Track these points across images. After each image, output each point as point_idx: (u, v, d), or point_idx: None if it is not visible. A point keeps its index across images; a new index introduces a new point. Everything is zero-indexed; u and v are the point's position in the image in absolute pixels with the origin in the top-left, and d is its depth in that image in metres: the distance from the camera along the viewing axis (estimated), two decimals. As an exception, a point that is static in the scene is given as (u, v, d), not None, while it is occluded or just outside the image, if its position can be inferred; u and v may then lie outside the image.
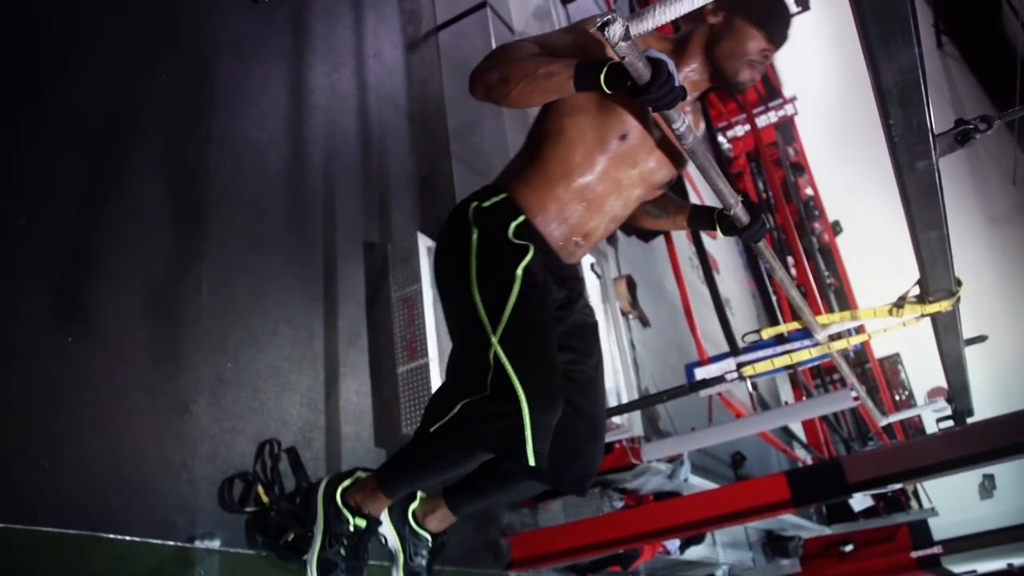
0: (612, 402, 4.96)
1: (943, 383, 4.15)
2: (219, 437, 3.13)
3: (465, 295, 2.10)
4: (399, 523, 2.61)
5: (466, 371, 2.16)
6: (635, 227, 2.43)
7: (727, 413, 5.88)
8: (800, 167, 17.32)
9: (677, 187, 6.67)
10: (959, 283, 2.48)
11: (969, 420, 4.60)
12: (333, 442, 3.74)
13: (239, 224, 3.69)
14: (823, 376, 13.12)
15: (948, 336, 3.13)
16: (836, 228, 16.64)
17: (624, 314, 6.33)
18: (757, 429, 5.14)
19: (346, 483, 2.46)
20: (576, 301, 2.43)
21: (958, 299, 2.55)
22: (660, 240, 7.30)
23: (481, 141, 5.53)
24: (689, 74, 2.12)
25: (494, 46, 5.91)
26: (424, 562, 2.58)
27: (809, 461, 9.71)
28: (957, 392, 4.19)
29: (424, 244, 4.47)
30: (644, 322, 7.07)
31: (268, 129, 4.14)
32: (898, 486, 4.26)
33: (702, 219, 2.28)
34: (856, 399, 4.01)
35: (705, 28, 2.04)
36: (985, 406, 4.49)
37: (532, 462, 1.91)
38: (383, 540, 2.60)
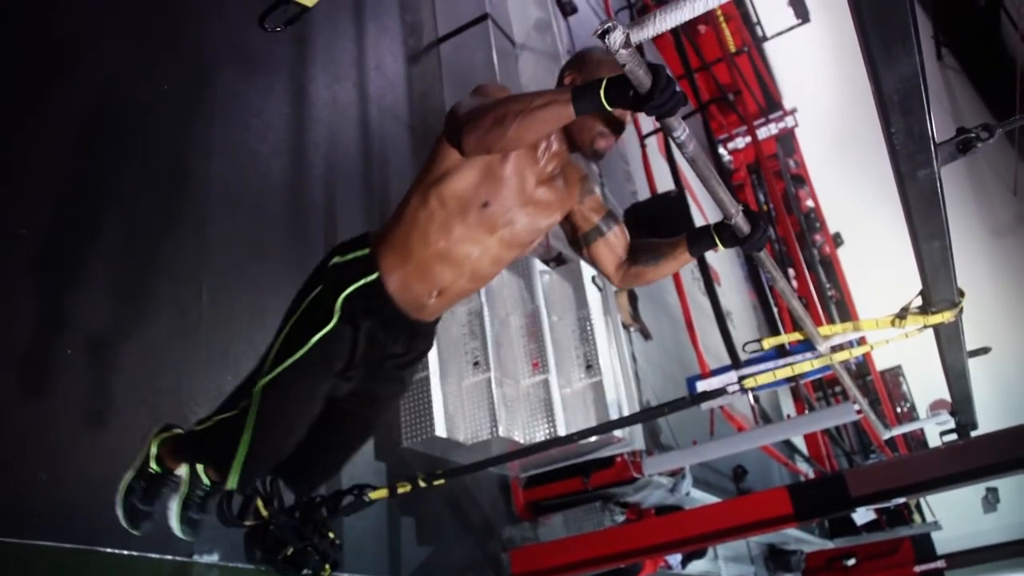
0: (613, 414, 4.94)
1: (945, 395, 4.12)
2: (219, 450, 3.11)
3: (280, 328, 2.33)
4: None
5: (247, 380, 2.40)
6: (640, 258, 2.39)
7: (729, 426, 5.86)
8: (801, 179, 17.35)
9: (679, 206, 6.66)
10: (962, 294, 2.47)
11: (973, 433, 4.57)
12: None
13: (240, 234, 3.69)
14: (824, 389, 13.10)
15: (951, 348, 3.11)
16: (837, 240, 16.66)
17: (625, 327, 6.32)
18: (759, 443, 5.12)
19: (164, 435, 2.60)
20: (406, 359, 2.51)
21: (961, 310, 2.53)
22: (661, 252, 7.31)
23: (482, 153, 5.53)
24: (550, 147, 2.18)
25: (495, 58, 6.00)
26: (199, 501, 2.68)
27: (811, 474, 9.68)
28: (961, 405, 4.16)
29: (425, 256, 4.46)
30: (645, 335, 7.06)
31: (270, 140, 4.14)
32: (901, 500, 4.23)
33: (702, 240, 2.27)
34: (859, 412, 3.98)
35: None
36: (989, 419, 4.46)
37: (231, 487, 2.28)
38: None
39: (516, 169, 2.12)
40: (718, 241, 2.18)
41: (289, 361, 2.20)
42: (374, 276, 2.23)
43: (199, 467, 2.58)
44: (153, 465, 2.53)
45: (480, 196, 2.12)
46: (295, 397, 2.25)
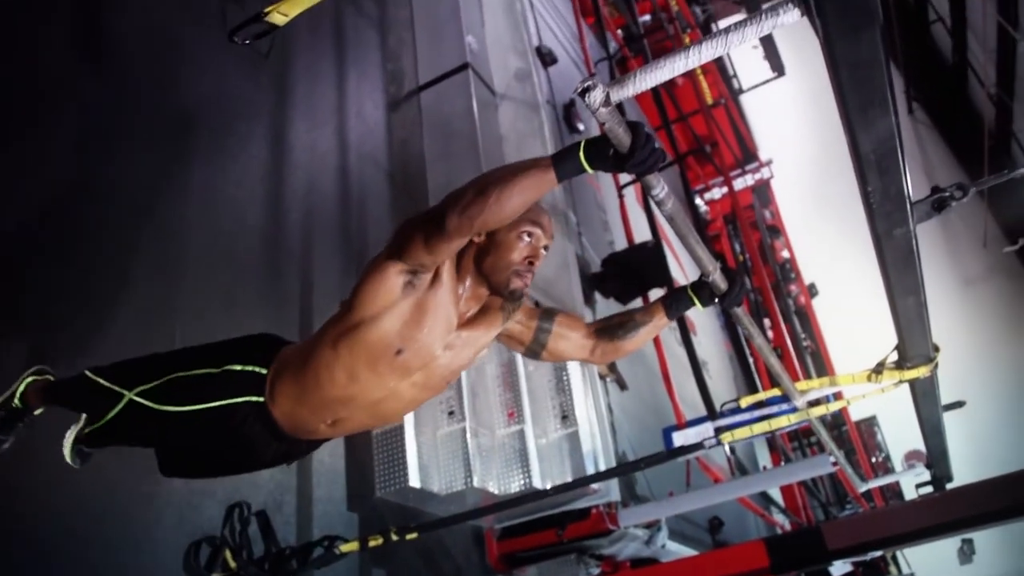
0: (589, 465, 4.90)
1: (920, 445, 4.13)
2: (187, 499, 3.05)
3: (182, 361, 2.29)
4: None
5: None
6: (616, 332, 2.36)
7: (705, 477, 5.82)
8: (776, 230, 17.52)
9: (656, 256, 6.68)
10: (936, 349, 2.48)
11: (948, 485, 4.57)
12: (305, 505, 3.66)
13: (216, 280, 3.65)
14: (800, 439, 13.11)
15: (926, 402, 3.12)
16: (812, 290, 16.78)
17: (602, 377, 6.29)
18: (736, 495, 5.10)
19: (36, 377, 2.66)
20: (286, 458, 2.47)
21: (936, 365, 2.55)
22: (638, 301, 7.30)
23: (460, 201, 5.54)
24: (466, 291, 2.13)
25: (475, 107, 6.04)
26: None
27: (788, 526, 9.63)
28: (936, 458, 4.17)
29: (401, 303, 4.44)
30: (621, 385, 7.04)
31: (247, 185, 4.12)
32: (879, 553, 4.21)
33: (680, 302, 2.25)
34: (835, 464, 3.98)
35: (473, 247, 2.06)
36: (964, 470, 4.47)
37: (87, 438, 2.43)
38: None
39: (440, 314, 2.04)
40: (696, 302, 2.17)
41: (169, 407, 2.18)
42: (260, 399, 2.17)
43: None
44: (17, 401, 2.62)
45: (395, 343, 2.03)
46: (152, 430, 2.27)
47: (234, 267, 3.81)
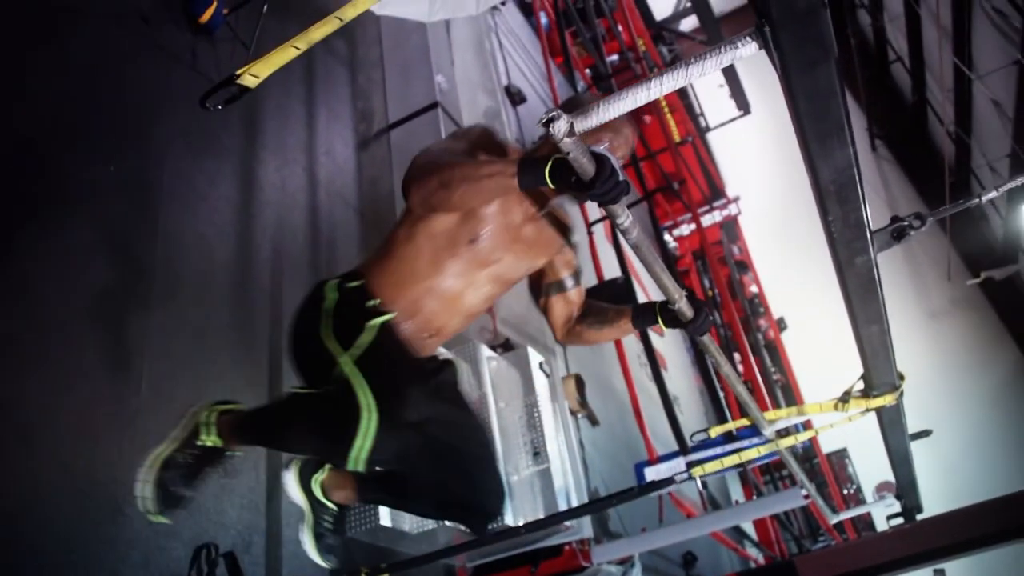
0: (561, 504, 4.88)
1: (890, 476, 4.16)
2: (153, 541, 2.99)
3: (316, 342, 2.13)
4: (305, 488, 2.53)
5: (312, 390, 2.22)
6: (587, 320, 2.45)
7: (678, 513, 5.82)
8: (744, 265, 17.71)
9: (626, 292, 6.73)
10: (902, 377, 2.52)
11: (919, 516, 4.60)
12: (274, 546, 3.60)
13: (183, 318, 3.62)
14: (772, 472, 13.15)
15: (894, 431, 3.15)
16: (781, 324, 16.94)
17: (573, 413, 6.29)
18: (708, 529, 5.09)
19: (223, 408, 2.40)
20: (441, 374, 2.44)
21: (901, 393, 2.58)
22: (609, 337, 7.34)
23: (431, 238, 5.56)
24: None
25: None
26: (330, 528, 2.54)
27: (761, 560, 9.61)
28: (905, 488, 4.19)
29: (372, 340, 4.42)
30: (593, 421, 7.03)
31: (216, 223, 4.11)
32: (851, 585, 4.22)
33: (645, 316, 2.32)
34: (807, 497, 3.99)
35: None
36: (934, 501, 4.49)
37: (351, 465, 1.92)
38: (224, 469, 2.48)
39: (500, 207, 2.14)
40: (660, 321, 2.22)
41: (362, 339, 2.07)
42: (377, 300, 2.18)
43: (315, 487, 2.44)
44: (208, 436, 2.29)
45: (466, 232, 2.13)
46: (391, 355, 2.10)
47: (203, 305, 3.78)
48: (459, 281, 2.20)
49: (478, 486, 2.35)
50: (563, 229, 2.37)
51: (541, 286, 2.45)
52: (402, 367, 2.13)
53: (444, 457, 2.23)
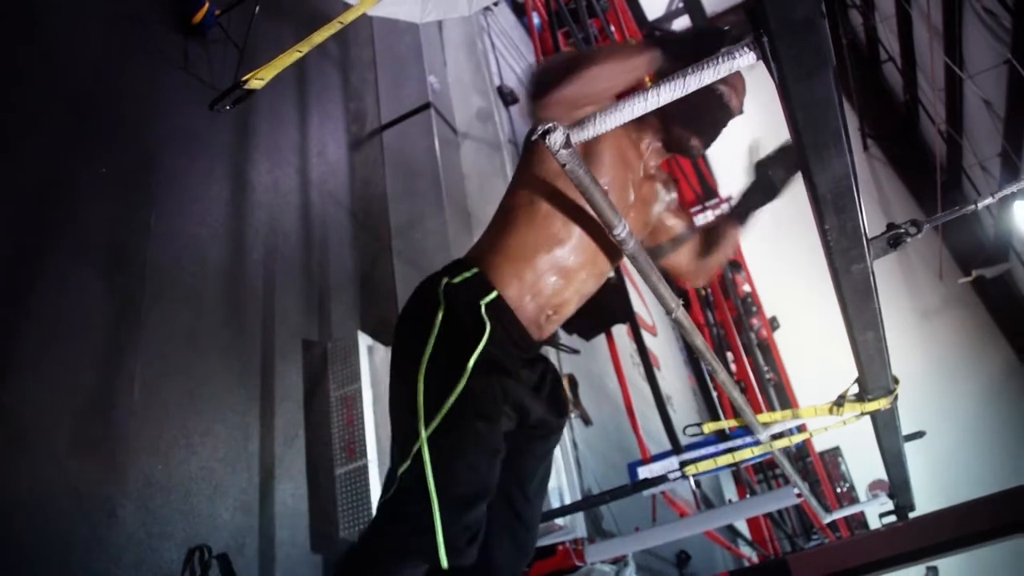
0: (555, 503, 4.88)
1: (883, 475, 4.17)
2: (146, 543, 2.98)
3: (411, 375, 1.99)
4: None
5: (392, 452, 2.09)
6: (674, 281, 2.37)
7: (671, 512, 5.83)
8: (737, 264, 17.71)
9: (619, 292, 6.73)
10: (896, 381, 2.52)
11: (911, 514, 4.62)
12: (267, 547, 3.60)
13: (175, 320, 3.61)
14: (766, 471, 13.15)
15: (887, 433, 3.15)
16: (774, 324, 16.95)
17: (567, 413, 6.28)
18: (702, 528, 5.09)
19: None
20: (543, 387, 2.28)
21: (895, 397, 2.58)
22: (601, 338, 7.34)
23: (423, 238, 5.56)
24: (651, 143, 2.19)
25: (437, 146, 6.07)
26: None
27: (755, 559, 9.63)
28: (898, 487, 4.20)
29: (364, 342, 4.41)
30: (586, 420, 7.04)
31: (209, 224, 4.10)
32: (844, 585, 4.23)
33: (752, 198, 2.35)
34: (799, 496, 4.00)
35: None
36: (925, 498, 4.51)
37: (445, 565, 1.82)
38: None
39: (622, 158, 2.06)
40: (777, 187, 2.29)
41: (452, 398, 1.91)
42: (494, 294, 2.04)
43: None
44: None
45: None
46: (470, 432, 1.93)
47: (196, 307, 3.77)
48: (582, 252, 2.08)
49: (517, 547, 2.24)
50: (665, 181, 2.30)
51: (662, 246, 2.36)
52: (483, 439, 1.97)
53: (496, 511, 2.11)
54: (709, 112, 2.14)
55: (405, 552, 1.97)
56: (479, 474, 1.95)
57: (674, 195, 2.35)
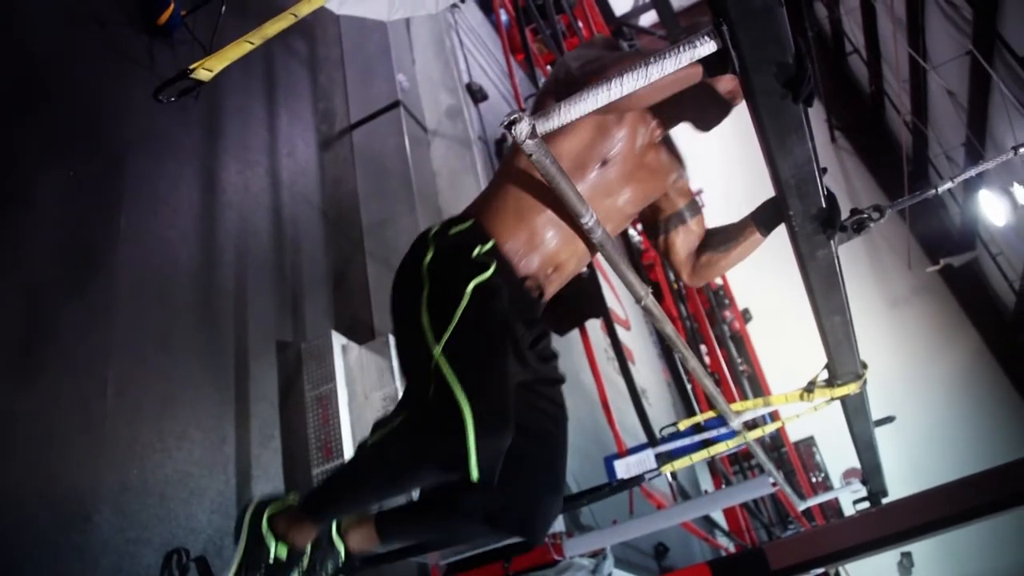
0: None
1: (857, 464, 4.23)
2: (122, 548, 2.96)
3: (415, 315, 1.95)
4: (256, 527, 2.21)
5: (408, 389, 2.06)
6: (712, 244, 2.32)
7: (648, 504, 5.86)
8: (709, 257, 17.81)
9: (591, 286, 6.75)
10: (865, 366, 2.56)
11: (884, 500, 4.68)
12: (245, 550, 3.58)
13: (148, 323, 3.59)
14: (741, 462, 13.26)
15: (858, 418, 3.20)
16: (746, 316, 17.07)
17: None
18: (679, 520, 5.12)
19: (274, 507, 2.14)
20: (542, 342, 2.25)
21: (864, 381, 2.62)
22: (575, 333, 7.35)
23: (395, 237, 5.54)
24: (660, 109, 2.11)
25: (407, 144, 6.06)
26: None
27: (732, 549, 9.71)
28: (870, 473, 4.27)
29: (338, 342, 4.40)
30: (563, 414, 7.04)
31: (179, 226, 4.07)
32: (821, 570, 4.28)
33: (772, 215, 2.18)
34: (774, 485, 4.04)
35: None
36: (898, 484, 4.57)
37: (475, 476, 1.72)
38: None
39: (630, 126, 2.01)
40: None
41: (455, 318, 1.85)
42: (490, 243, 2.00)
43: (333, 533, 2.14)
44: (278, 549, 2.02)
45: (598, 154, 1.98)
46: (487, 343, 1.87)
47: (167, 309, 3.75)
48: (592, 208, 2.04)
49: (540, 506, 2.15)
50: (677, 155, 2.25)
51: (659, 223, 2.31)
52: (498, 349, 1.91)
53: (522, 456, 2.02)
54: (716, 107, 2.10)
55: (423, 457, 1.87)
56: (502, 370, 1.89)
57: (683, 181, 2.32)
